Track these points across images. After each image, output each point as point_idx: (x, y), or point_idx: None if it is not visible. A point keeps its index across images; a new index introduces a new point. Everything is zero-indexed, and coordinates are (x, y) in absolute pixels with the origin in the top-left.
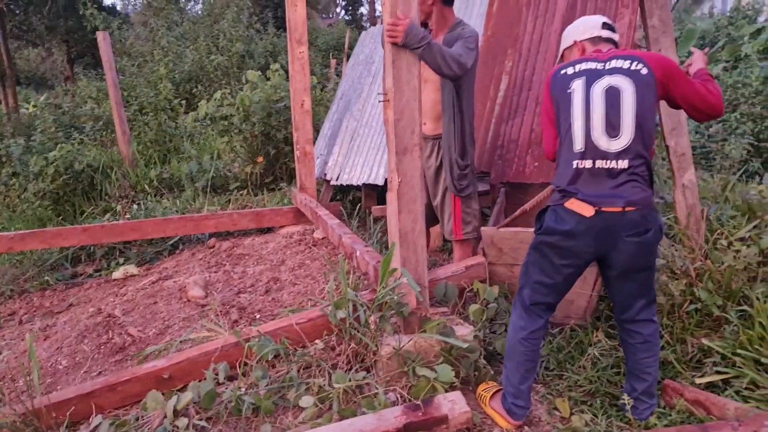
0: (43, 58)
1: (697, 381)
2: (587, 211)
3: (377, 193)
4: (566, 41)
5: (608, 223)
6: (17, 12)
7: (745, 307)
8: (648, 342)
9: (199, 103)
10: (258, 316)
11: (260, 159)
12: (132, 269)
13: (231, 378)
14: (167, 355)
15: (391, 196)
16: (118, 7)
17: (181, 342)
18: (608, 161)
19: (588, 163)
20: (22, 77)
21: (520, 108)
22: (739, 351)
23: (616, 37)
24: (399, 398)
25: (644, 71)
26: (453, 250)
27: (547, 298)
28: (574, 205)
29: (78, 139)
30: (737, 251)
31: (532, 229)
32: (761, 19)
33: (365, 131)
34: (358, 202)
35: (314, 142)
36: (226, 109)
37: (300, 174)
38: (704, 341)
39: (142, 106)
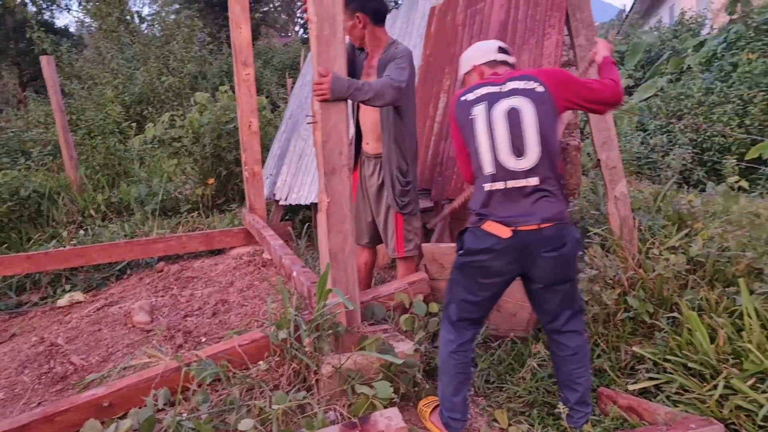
0: None
1: (630, 387)
2: (504, 232)
3: None
4: (465, 67)
5: (526, 241)
6: None
7: (675, 314)
8: (576, 354)
9: (147, 126)
10: (204, 340)
11: (211, 181)
12: (78, 296)
13: (173, 403)
14: (107, 383)
15: (320, 217)
16: (72, 29)
17: (122, 369)
18: (519, 181)
19: (500, 185)
20: None
21: None
22: (669, 357)
23: (511, 59)
24: (339, 417)
25: (540, 89)
26: (397, 267)
27: (473, 314)
28: (491, 227)
29: (24, 164)
30: (667, 260)
31: None
32: (704, 32)
33: (312, 151)
34: (308, 221)
35: (264, 163)
36: (175, 131)
37: (249, 195)
38: (636, 349)
39: (90, 130)
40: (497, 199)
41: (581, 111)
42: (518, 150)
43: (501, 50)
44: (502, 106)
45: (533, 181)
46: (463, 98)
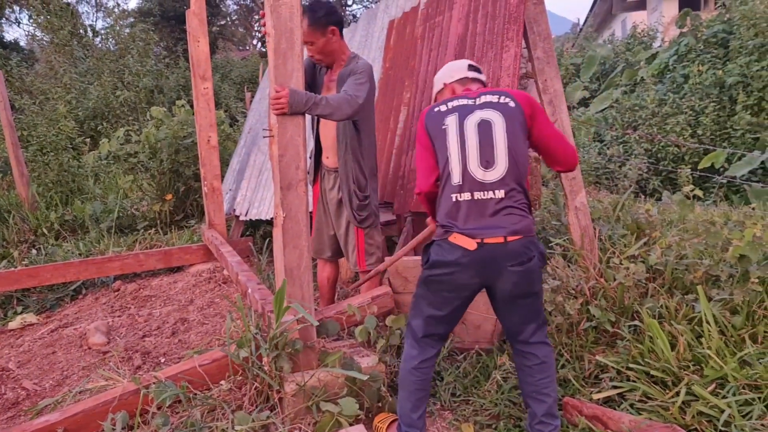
0: None
1: (595, 397)
2: (470, 244)
3: None
4: (437, 86)
5: (492, 255)
6: None
7: (636, 322)
8: (544, 363)
9: (101, 141)
10: (163, 360)
11: (169, 196)
12: (30, 318)
13: (131, 427)
14: (62, 408)
15: (276, 232)
16: (22, 43)
17: (77, 393)
18: (486, 192)
19: (467, 196)
20: None
21: None
22: (631, 365)
23: (482, 77)
24: None
25: (512, 104)
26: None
27: (438, 329)
28: (457, 239)
29: None
30: (627, 269)
31: None
32: (656, 45)
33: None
34: (269, 237)
35: (223, 178)
36: (131, 146)
37: (209, 210)
38: (600, 357)
39: (42, 146)
40: (464, 211)
41: (536, 152)
42: (487, 161)
43: (471, 68)
44: (474, 118)
45: (500, 193)
46: (435, 110)
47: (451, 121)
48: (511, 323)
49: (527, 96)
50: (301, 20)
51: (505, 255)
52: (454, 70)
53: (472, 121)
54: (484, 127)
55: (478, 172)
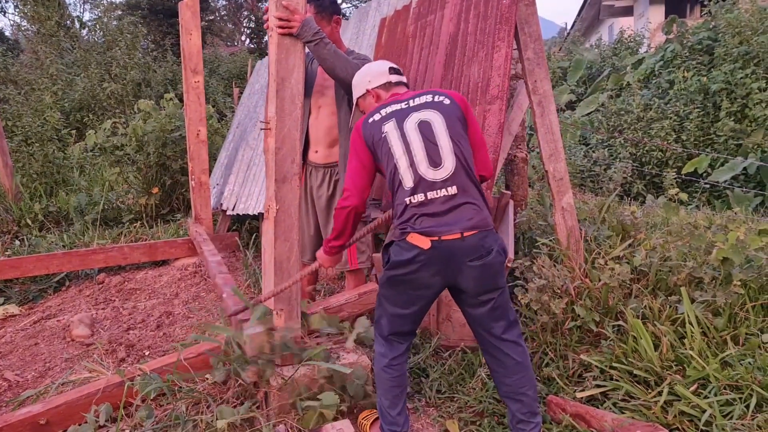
0: None
1: (578, 395)
2: (425, 243)
3: None
4: (358, 90)
5: (449, 251)
6: None
7: (620, 322)
8: (520, 364)
9: (88, 133)
10: (147, 353)
11: (155, 190)
12: (12, 309)
13: (115, 420)
14: (45, 400)
15: (267, 225)
16: (7, 33)
17: (61, 384)
18: (438, 191)
19: (420, 197)
20: None
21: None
22: (615, 364)
23: (404, 79)
24: (288, 430)
25: (447, 101)
26: (346, 279)
27: (404, 327)
28: (413, 239)
29: None
30: (612, 269)
31: None
32: (642, 50)
33: (261, 160)
34: (256, 232)
35: (211, 172)
36: (118, 138)
37: (195, 204)
38: (584, 357)
39: (27, 137)
40: (419, 211)
41: None
42: (434, 161)
43: (393, 71)
44: (412, 120)
45: (452, 190)
46: (370, 120)
47: (390, 128)
48: (479, 321)
49: (460, 95)
50: (307, 9)
51: (463, 250)
52: (376, 74)
53: (411, 124)
54: (425, 128)
55: (428, 172)
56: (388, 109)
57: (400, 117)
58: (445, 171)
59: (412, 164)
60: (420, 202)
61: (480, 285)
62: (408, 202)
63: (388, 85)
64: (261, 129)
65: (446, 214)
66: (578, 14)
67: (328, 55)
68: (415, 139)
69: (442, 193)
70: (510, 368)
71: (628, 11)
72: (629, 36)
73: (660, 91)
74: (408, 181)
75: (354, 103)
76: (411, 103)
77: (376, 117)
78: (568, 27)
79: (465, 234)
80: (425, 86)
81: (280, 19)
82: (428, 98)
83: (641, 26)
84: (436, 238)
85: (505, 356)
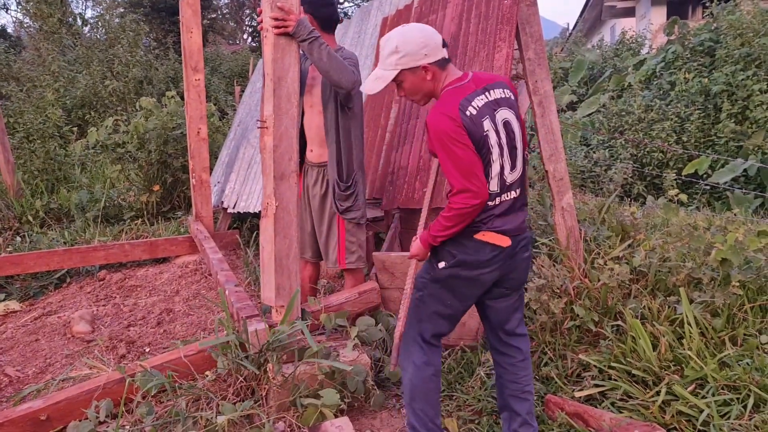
0: None
1: (577, 394)
2: (503, 241)
3: None
4: (408, 59)
5: (514, 248)
6: None
7: (619, 322)
8: (527, 359)
9: (90, 130)
10: (148, 350)
11: (156, 187)
12: (13, 305)
13: (115, 416)
14: (45, 395)
15: (266, 222)
16: (9, 30)
17: (61, 381)
18: (510, 193)
19: (498, 200)
20: None
21: (408, 135)
22: (613, 364)
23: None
24: (288, 427)
25: (512, 97)
26: (345, 277)
27: (445, 328)
28: (486, 236)
29: None
30: (612, 270)
31: None
32: (644, 51)
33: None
34: (256, 230)
35: (212, 170)
36: (119, 136)
37: (196, 202)
38: (582, 356)
39: (29, 133)
40: (493, 212)
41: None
42: (513, 165)
43: (444, 43)
44: (499, 119)
45: (517, 192)
46: (467, 112)
47: (489, 126)
48: (502, 314)
49: (512, 85)
50: (300, 10)
51: (522, 246)
52: (434, 46)
53: (499, 125)
54: (508, 130)
55: (509, 175)
56: (478, 102)
57: (491, 114)
58: (516, 174)
59: (502, 168)
60: (496, 204)
61: (523, 276)
62: (489, 205)
63: (443, 62)
64: (258, 127)
65: (512, 214)
66: (580, 15)
67: (321, 55)
68: (505, 142)
69: (512, 195)
70: (519, 365)
71: (630, 12)
72: (631, 37)
73: (661, 92)
74: (494, 185)
75: (393, 72)
76: (490, 95)
77: (472, 110)
78: (570, 27)
79: (524, 232)
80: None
81: (276, 19)
82: (501, 93)
83: (643, 27)
84: (512, 236)
85: (517, 351)
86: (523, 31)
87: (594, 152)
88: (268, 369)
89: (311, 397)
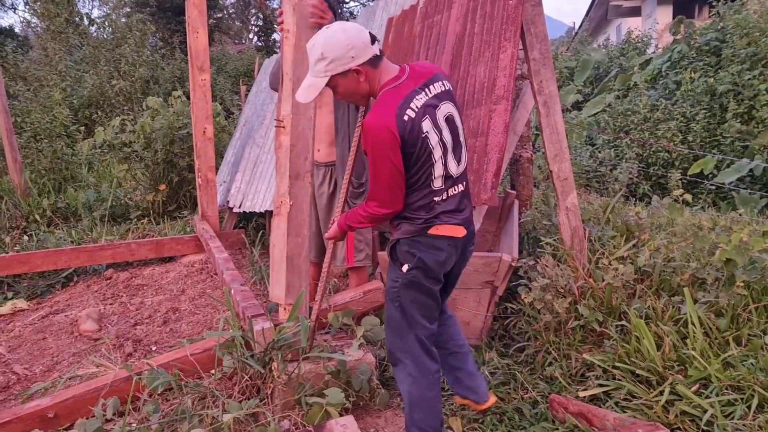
0: None
1: (581, 394)
2: (459, 232)
3: None
4: (336, 65)
5: (467, 239)
6: None
7: (623, 322)
8: (451, 316)
9: (97, 130)
10: (154, 348)
11: (163, 187)
12: (21, 304)
13: (122, 414)
14: (53, 393)
15: (279, 221)
16: (17, 29)
17: (69, 379)
18: (456, 187)
19: (445, 195)
20: None
21: None
22: (618, 364)
23: (380, 46)
24: (293, 426)
25: (451, 88)
26: (350, 276)
27: (433, 324)
28: (440, 230)
29: None
30: (616, 270)
31: None
32: (650, 50)
33: (268, 158)
34: (262, 229)
35: (217, 170)
36: (126, 135)
37: (202, 202)
38: (587, 356)
39: (36, 133)
40: (441, 208)
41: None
42: (458, 159)
43: (373, 39)
44: (440, 115)
45: (463, 185)
46: (404, 116)
47: (429, 127)
48: (442, 300)
49: (445, 73)
50: None
51: (469, 239)
52: (361, 46)
53: (441, 121)
54: (452, 126)
55: (454, 169)
56: (417, 102)
57: (432, 113)
58: (462, 167)
59: (446, 165)
60: (443, 199)
61: (463, 266)
62: (436, 201)
63: (375, 60)
64: (276, 126)
65: (461, 206)
66: (586, 14)
67: None
68: (448, 139)
69: (459, 188)
70: (447, 321)
71: (635, 11)
72: (637, 36)
73: (667, 91)
74: (438, 182)
75: (323, 78)
76: (430, 92)
77: (410, 113)
78: (576, 26)
79: (472, 223)
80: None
81: (315, 7)
82: (441, 86)
83: (649, 27)
84: (465, 227)
85: (448, 318)
86: (528, 31)
87: (599, 152)
88: (273, 368)
89: (316, 395)
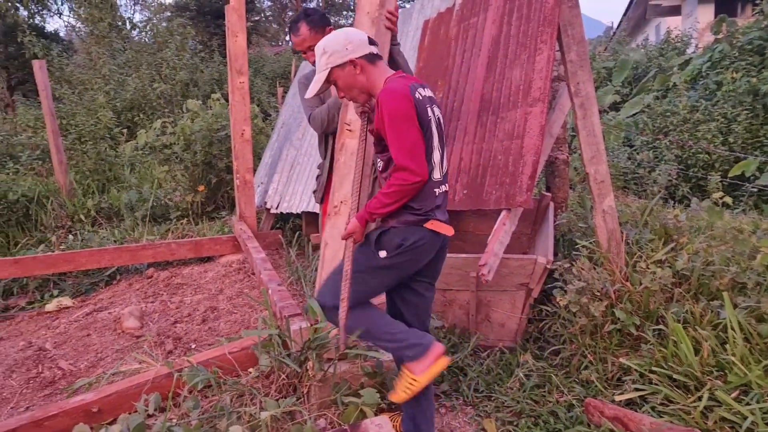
0: None
1: (617, 398)
2: (449, 231)
3: (317, 220)
4: (334, 57)
5: (445, 241)
6: None
7: (661, 326)
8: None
9: (139, 132)
10: (194, 346)
11: (201, 188)
12: (66, 301)
13: (163, 409)
14: (97, 388)
15: (335, 220)
16: (62, 34)
17: (112, 374)
18: (443, 186)
19: (438, 190)
20: None
21: (449, 138)
22: (654, 368)
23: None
24: (329, 424)
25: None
26: None
27: (375, 296)
28: (435, 225)
29: (13, 168)
30: (654, 273)
31: (464, 255)
32: (689, 50)
33: (305, 160)
34: (299, 230)
35: (255, 171)
36: (167, 137)
37: (240, 203)
38: (623, 360)
39: (80, 135)
40: (438, 204)
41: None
42: (444, 158)
43: (371, 41)
44: (436, 114)
45: (446, 186)
46: (417, 95)
47: (432, 114)
48: (423, 306)
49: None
50: (299, 28)
51: (446, 239)
52: (358, 42)
53: (437, 117)
54: (439, 128)
55: (444, 168)
56: (423, 93)
57: (431, 106)
58: (445, 169)
59: (442, 158)
60: (437, 194)
61: (440, 268)
62: (435, 193)
63: (371, 57)
64: (348, 129)
65: (446, 207)
66: (624, 13)
67: (401, 55)
68: (440, 135)
69: (445, 188)
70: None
71: (675, 11)
72: (676, 36)
73: (707, 92)
74: (437, 173)
75: (325, 72)
76: (427, 93)
77: (418, 96)
78: (614, 26)
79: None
80: (467, 89)
81: (392, 14)
82: (432, 93)
83: (689, 26)
84: (450, 227)
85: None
86: (564, 32)
87: (637, 153)
88: (309, 367)
89: (352, 395)
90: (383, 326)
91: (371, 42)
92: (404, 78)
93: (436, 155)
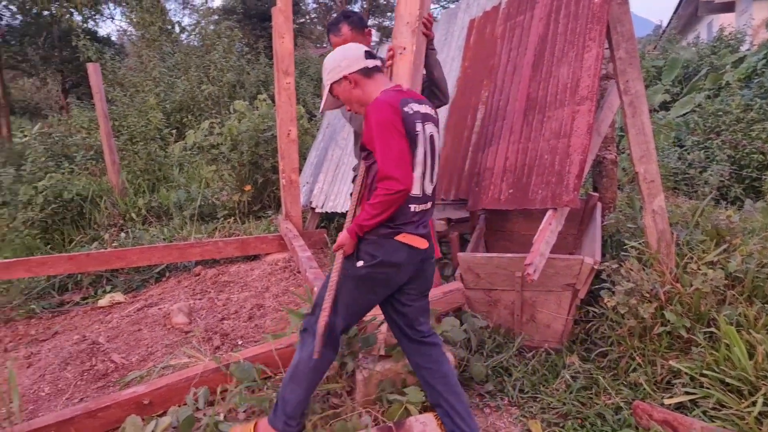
0: (37, 88)
1: (666, 402)
2: (423, 244)
3: None
4: (333, 75)
5: (428, 253)
6: (12, 42)
7: (712, 329)
8: (444, 354)
9: (187, 133)
10: (240, 342)
11: (248, 187)
12: (118, 297)
13: (211, 403)
14: (148, 381)
15: None
16: (113, 38)
17: (162, 368)
18: (425, 204)
19: (419, 208)
20: (17, 107)
21: (495, 136)
22: (706, 372)
23: (379, 62)
24: (373, 421)
25: (436, 116)
26: None
27: (353, 325)
28: (407, 238)
29: (68, 168)
30: (705, 275)
31: (510, 255)
32: (743, 48)
33: (350, 159)
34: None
35: (301, 171)
36: (214, 138)
37: (285, 202)
38: (673, 363)
39: (132, 136)
40: (414, 220)
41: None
42: (431, 178)
43: (369, 55)
44: (428, 131)
45: (429, 204)
46: (405, 108)
47: (421, 130)
48: (412, 314)
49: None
50: (340, 29)
51: (429, 255)
52: (352, 58)
53: (428, 134)
54: (432, 145)
55: (427, 186)
56: (414, 107)
57: (422, 122)
58: (432, 186)
59: (423, 175)
60: (417, 212)
61: (429, 282)
62: (411, 209)
63: (366, 71)
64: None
65: (425, 223)
66: (675, 11)
67: (439, 64)
68: (428, 152)
69: (428, 206)
70: (440, 358)
71: (728, 7)
72: (730, 33)
73: (762, 90)
74: (417, 189)
75: (327, 89)
76: (421, 109)
77: (408, 109)
78: (664, 24)
79: (431, 239)
80: (513, 88)
81: (428, 20)
82: (429, 110)
83: (743, 23)
84: (426, 241)
85: (431, 347)
86: (614, 29)
87: (688, 153)
88: (354, 364)
89: (396, 393)
90: (305, 381)
91: (369, 56)
92: (399, 92)
93: (418, 171)
